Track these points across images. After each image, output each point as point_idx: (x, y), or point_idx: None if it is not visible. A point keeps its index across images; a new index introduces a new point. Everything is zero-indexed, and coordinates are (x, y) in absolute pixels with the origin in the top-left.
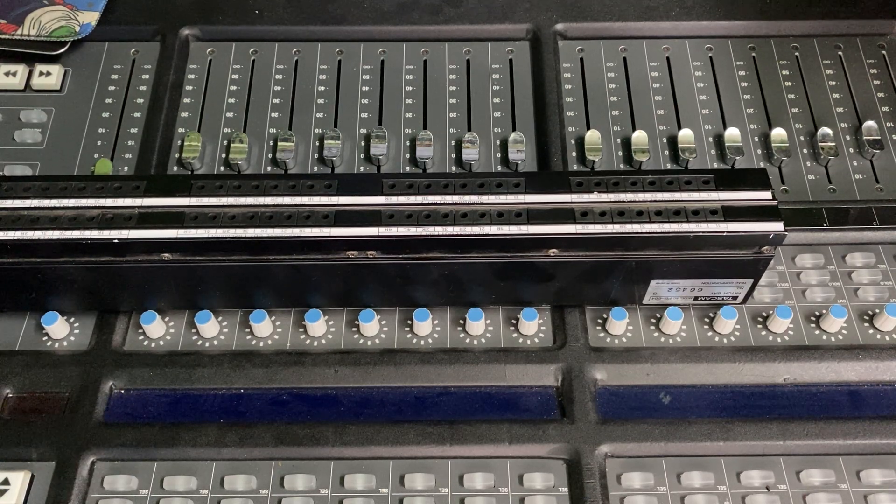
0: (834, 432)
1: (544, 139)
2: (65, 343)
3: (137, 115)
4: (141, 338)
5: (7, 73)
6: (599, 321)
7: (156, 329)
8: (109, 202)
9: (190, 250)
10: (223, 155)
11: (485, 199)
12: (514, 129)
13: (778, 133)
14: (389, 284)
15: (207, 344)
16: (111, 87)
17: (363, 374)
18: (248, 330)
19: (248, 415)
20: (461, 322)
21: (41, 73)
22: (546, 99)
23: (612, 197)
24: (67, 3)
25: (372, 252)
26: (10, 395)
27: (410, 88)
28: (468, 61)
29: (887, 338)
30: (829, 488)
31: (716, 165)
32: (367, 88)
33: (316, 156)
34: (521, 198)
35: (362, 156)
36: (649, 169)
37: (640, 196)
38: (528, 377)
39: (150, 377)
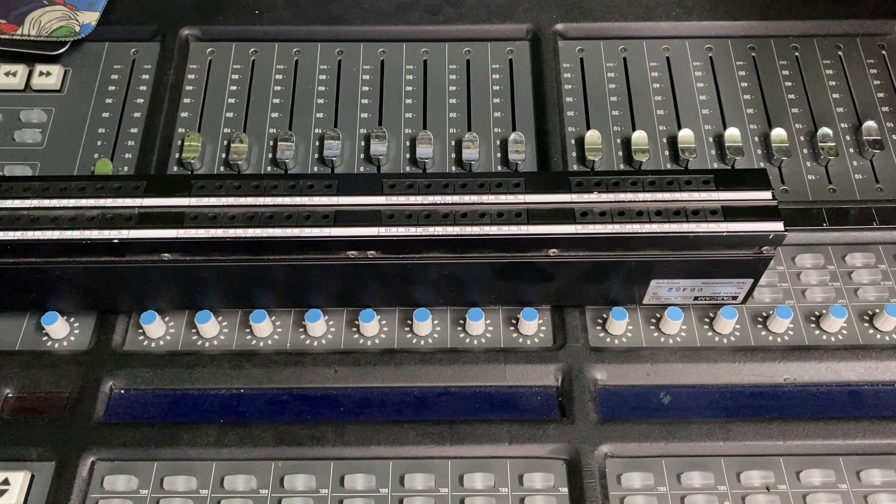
0: (834, 432)
1: (544, 139)
2: (65, 343)
3: (137, 115)
4: (141, 338)
5: (7, 73)
6: (599, 321)
7: (156, 329)
8: (109, 202)
9: (190, 250)
10: (223, 155)
11: (485, 199)
12: (514, 129)
13: (778, 133)
14: (389, 284)
15: (207, 344)
16: (111, 87)
17: (363, 374)
18: (248, 330)
19: (248, 415)
20: (461, 322)
21: (41, 73)
22: (546, 99)
23: (612, 197)
24: (67, 3)
25: (372, 252)
26: (10, 395)
27: (410, 88)
28: (468, 61)
29: (887, 338)
30: (829, 488)
31: (716, 165)
32: (367, 88)
33: (316, 156)
34: (521, 198)
35: (362, 156)
36: (649, 169)
37: (640, 196)
38: (528, 377)
39: (150, 377)
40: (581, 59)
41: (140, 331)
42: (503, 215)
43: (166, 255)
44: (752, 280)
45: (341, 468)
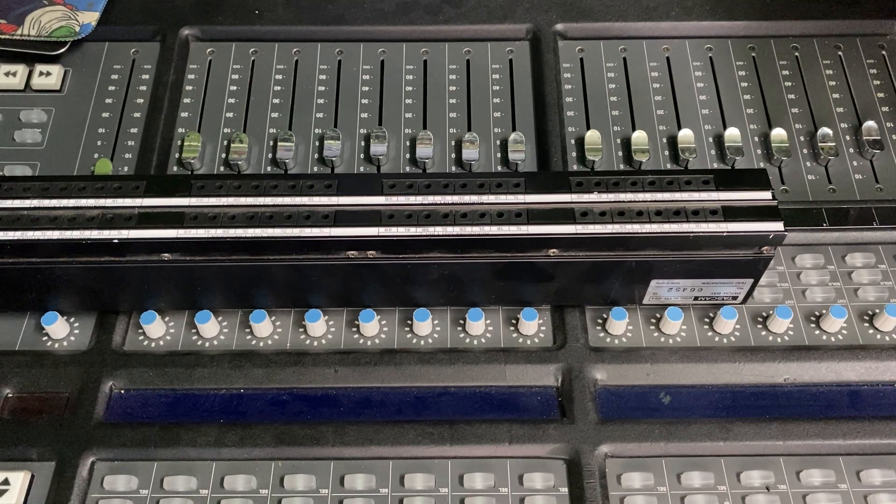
0: (834, 432)
1: (544, 139)
2: (65, 343)
3: (137, 115)
4: (141, 338)
5: (7, 73)
6: (599, 321)
7: (156, 329)
8: (109, 202)
9: (190, 250)
10: (223, 155)
11: (485, 199)
12: (514, 129)
13: (778, 133)
14: (389, 284)
15: (207, 344)
16: (111, 87)
17: (363, 374)
18: (248, 330)
19: (248, 415)
20: (461, 322)
21: (41, 73)
22: (546, 99)
23: (612, 197)
24: (67, 3)
25: (372, 252)
26: (10, 395)
27: (410, 88)
28: (468, 61)
29: (887, 338)
30: (829, 488)
31: (716, 165)
32: (367, 88)
33: (316, 156)
34: (521, 198)
35: (362, 156)
36: (649, 169)
37: (640, 196)
38: (528, 377)
39: (150, 377)
40: (581, 59)
41: (140, 331)
42: (503, 215)
43: (166, 255)
44: (752, 280)
45: (341, 468)
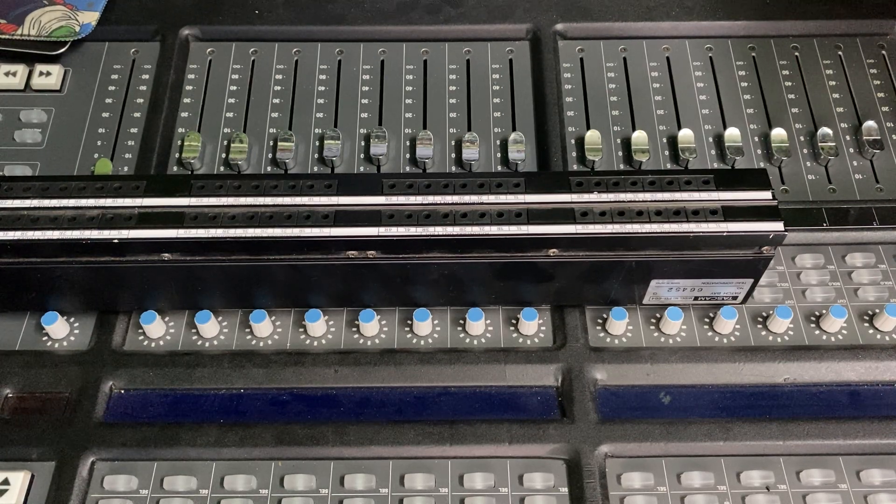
0: (834, 432)
1: (544, 139)
2: (65, 343)
3: (137, 115)
4: (141, 338)
5: (7, 73)
6: (599, 321)
7: (156, 329)
8: (109, 202)
9: (190, 250)
10: (223, 155)
11: (485, 199)
12: (514, 129)
13: (778, 133)
14: (389, 284)
15: (207, 344)
16: (111, 87)
17: (363, 374)
18: (248, 330)
19: (248, 415)
20: (461, 322)
21: (41, 73)
22: (546, 99)
23: (612, 197)
24: (67, 3)
25: (372, 252)
26: (10, 395)
27: (410, 88)
28: (468, 61)
29: (887, 338)
30: (829, 488)
31: (716, 165)
32: (367, 88)
33: (316, 156)
34: (521, 198)
35: (362, 156)
36: (649, 169)
37: (640, 196)
38: (528, 377)
39: (150, 377)
40: (581, 59)
41: (140, 331)
42: (503, 215)
43: (166, 255)
44: (752, 280)
45: (341, 468)
